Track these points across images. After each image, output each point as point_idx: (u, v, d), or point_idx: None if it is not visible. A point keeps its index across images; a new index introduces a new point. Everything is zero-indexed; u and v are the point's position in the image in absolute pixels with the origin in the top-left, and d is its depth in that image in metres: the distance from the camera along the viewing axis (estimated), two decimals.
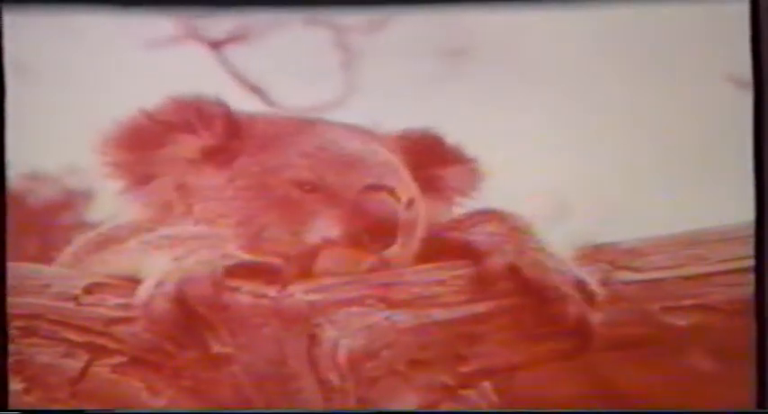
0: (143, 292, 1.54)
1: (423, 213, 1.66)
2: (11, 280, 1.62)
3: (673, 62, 1.71)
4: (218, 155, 1.65)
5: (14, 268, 1.64)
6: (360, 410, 1.56)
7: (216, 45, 1.75)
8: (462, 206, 1.72)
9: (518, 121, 1.70)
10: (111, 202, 1.68)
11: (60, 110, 1.71)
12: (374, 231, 1.58)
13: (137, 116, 1.65)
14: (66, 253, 1.66)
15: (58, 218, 1.77)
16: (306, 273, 1.59)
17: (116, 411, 1.57)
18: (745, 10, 1.69)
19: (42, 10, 1.71)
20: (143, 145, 1.65)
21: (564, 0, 1.71)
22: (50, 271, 1.62)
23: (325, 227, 1.59)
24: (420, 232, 1.65)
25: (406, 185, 1.65)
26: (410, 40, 1.73)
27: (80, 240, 1.66)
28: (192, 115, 1.65)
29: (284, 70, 1.72)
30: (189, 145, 1.66)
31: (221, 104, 1.66)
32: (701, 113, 1.71)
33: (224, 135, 1.66)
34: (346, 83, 1.74)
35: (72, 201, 1.75)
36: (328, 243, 1.59)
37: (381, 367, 1.57)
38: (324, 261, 1.60)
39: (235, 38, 1.75)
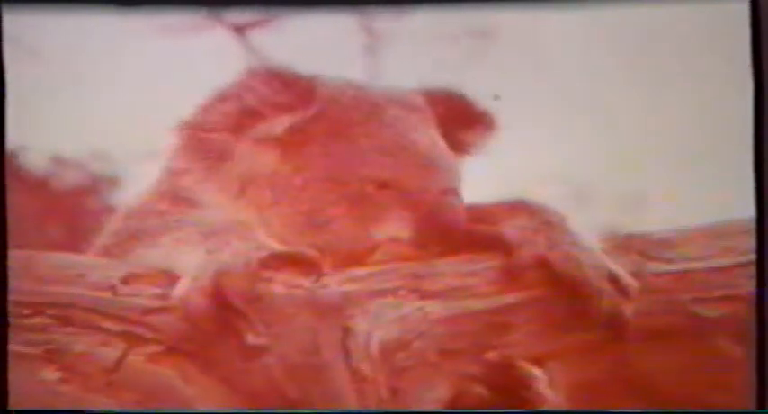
0: (180, 288, 1.55)
1: None
2: (44, 269, 1.62)
3: (678, 59, 1.72)
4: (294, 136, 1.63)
5: (48, 257, 1.64)
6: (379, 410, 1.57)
7: (239, 29, 1.74)
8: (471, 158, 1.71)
9: (537, 110, 1.70)
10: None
11: (80, 95, 1.71)
12: (441, 236, 1.59)
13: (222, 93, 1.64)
14: (98, 246, 1.67)
15: (82, 203, 1.77)
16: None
17: (118, 412, 1.57)
18: (745, 10, 1.69)
19: (46, 9, 1.71)
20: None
21: (572, 0, 1.72)
22: (86, 260, 1.63)
23: (395, 227, 1.60)
24: None
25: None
26: (433, 25, 1.73)
27: (109, 231, 1.67)
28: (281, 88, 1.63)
29: (308, 54, 1.71)
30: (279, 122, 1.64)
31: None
32: (707, 112, 1.72)
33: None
34: (370, 68, 1.74)
35: (97, 186, 1.75)
36: (394, 242, 1.60)
37: (413, 357, 1.58)
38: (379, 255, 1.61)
39: (258, 22, 1.74)
